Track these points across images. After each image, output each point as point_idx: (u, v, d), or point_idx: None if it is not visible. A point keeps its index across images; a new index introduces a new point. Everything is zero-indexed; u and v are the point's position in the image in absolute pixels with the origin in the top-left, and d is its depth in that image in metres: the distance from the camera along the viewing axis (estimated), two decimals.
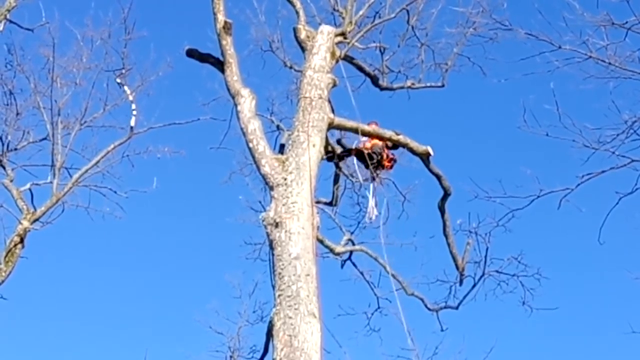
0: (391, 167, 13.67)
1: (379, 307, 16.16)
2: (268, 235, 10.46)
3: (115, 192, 17.29)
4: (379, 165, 13.51)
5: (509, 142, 25.90)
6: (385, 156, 13.44)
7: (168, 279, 29.97)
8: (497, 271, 15.24)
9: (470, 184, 13.00)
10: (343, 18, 14.94)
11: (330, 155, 13.12)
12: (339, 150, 13.91)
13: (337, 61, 13.62)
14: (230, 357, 18.93)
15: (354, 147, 13.58)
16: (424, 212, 15.88)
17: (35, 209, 15.77)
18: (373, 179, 13.64)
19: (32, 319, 27.55)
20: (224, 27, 12.73)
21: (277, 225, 10.35)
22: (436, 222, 14.32)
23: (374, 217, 13.81)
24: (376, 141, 13.47)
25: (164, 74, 17.97)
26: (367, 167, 13.55)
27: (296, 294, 9.58)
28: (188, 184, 27.53)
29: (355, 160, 13.78)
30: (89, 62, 17.65)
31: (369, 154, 13.39)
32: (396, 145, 13.38)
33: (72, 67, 17.53)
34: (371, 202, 13.68)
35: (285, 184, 10.81)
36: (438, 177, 13.69)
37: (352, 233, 15.65)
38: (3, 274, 15.04)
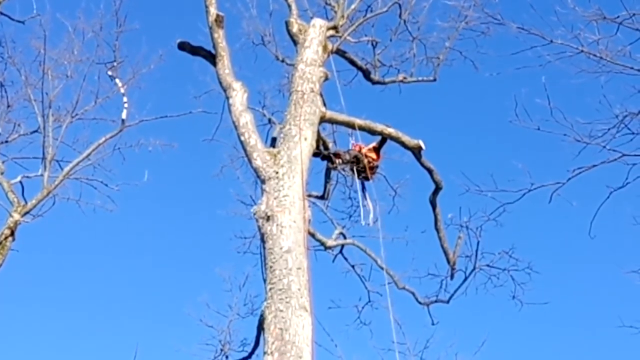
0: (373, 173, 13.55)
1: (369, 301, 16.19)
2: (259, 228, 10.46)
3: (106, 185, 17.26)
4: (362, 173, 13.46)
5: (500, 136, 25.93)
6: (366, 164, 13.33)
7: (159, 271, 29.88)
8: (488, 265, 15.27)
9: (461, 177, 12.99)
10: (335, 12, 14.95)
11: (317, 152, 13.08)
12: (330, 145, 13.94)
13: (329, 55, 13.63)
14: (221, 350, 18.84)
15: (340, 152, 13.55)
16: (415, 206, 15.91)
17: (26, 202, 15.71)
18: (363, 187, 13.63)
19: (22, 312, 27.47)
20: (215, 20, 12.73)
21: (268, 218, 10.35)
22: (427, 216, 14.38)
23: (371, 222, 13.83)
24: (364, 150, 13.47)
25: (156, 67, 17.93)
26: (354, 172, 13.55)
27: (287, 287, 9.58)
28: (179, 177, 27.49)
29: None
30: (80, 54, 17.60)
31: (352, 160, 13.37)
32: (381, 145, 13.42)
33: (64, 59, 17.48)
34: (368, 205, 13.67)
35: (277, 178, 10.82)
36: (429, 171, 13.73)
37: (343, 227, 15.65)
38: None
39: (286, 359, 9.04)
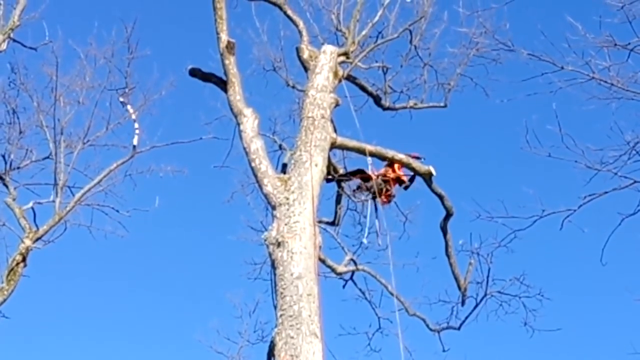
0: (387, 202, 13.67)
1: (380, 328, 16.10)
2: (270, 254, 10.45)
3: (117, 211, 17.25)
4: (376, 195, 13.54)
5: (511, 163, 25.86)
6: (384, 190, 13.45)
7: (169, 297, 29.92)
8: (499, 292, 15.19)
9: (472, 204, 12.96)
10: (346, 38, 15.00)
11: (330, 177, 13.14)
12: (341, 171, 13.95)
13: (339, 81, 13.67)
14: None
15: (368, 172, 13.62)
16: (426, 233, 15.86)
17: (37, 228, 15.71)
18: (375, 207, 13.69)
19: (34, 338, 27.47)
20: (227, 47, 12.78)
21: (279, 244, 10.34)
22: (438, 243, 14.35)
23: (365, 241, 13.92)
24: (385, 172, 13.57)
25: (167, 93, 17.96)
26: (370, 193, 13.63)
27: (298, 313, 9.56)
28: (190, 202, 27.53)
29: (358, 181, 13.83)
30: (92, 81, 17.64)
31: (368, 182, 13.45)
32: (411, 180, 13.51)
33: (75, 85, 17.52)
34: (368, 224, 13.75)
35: (288, 204, 10.81)
36: (440, 197, 13.72)
37: (354, 253, 15.60)
38: (5, 292, 14.99)
39: None
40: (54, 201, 16.06)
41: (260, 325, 18.21)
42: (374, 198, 13.62)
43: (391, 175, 13.67)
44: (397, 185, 13.89)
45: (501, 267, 15.08)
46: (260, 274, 16.02)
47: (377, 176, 13.54)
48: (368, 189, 13.60)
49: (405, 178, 13.80)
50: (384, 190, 13.47)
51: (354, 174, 13.79)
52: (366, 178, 13.59)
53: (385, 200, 13.62)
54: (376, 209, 13.71)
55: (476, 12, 13.44)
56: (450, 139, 26.57)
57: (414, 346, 15.44)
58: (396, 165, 13.66)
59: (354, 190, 13.97)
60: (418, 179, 13.63)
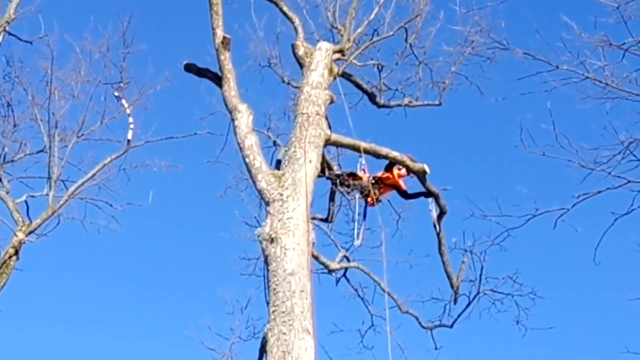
0: (372, 204, 13.66)
1: (372, 325, 16.11)
2: (263, 250, 10.45)
3: (111, 205, 17.29)
4: (368, 194, 13.57)
5: (505, 161, 25.87)
6: (372, 193, 13.46)
7: (161, 293, 29.91)
8: (492, 290, 15.21)
9: (466, 202, 12.99)
10: (341, 35, 14.99)
11: (327, 176, 13.16)
12: (335, 168, 13.95)
13: (334, 78, 13.66)
14: None
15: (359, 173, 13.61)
16: (420, 230, 15.87)
17: (30, 221, 15.73)
18: (365, 207, 13.71)
19: (26, 331, 27.45)
20: (222, 43, 12.76)
21: (272, 240, 10.34)
22: (431, 241, 14.34)
23: (359, 242, 13.94)
24: (382, 176, 13.57)
25: (162, 88, 17.98)
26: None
27: (290, 310, 9.56)
28: (184, 198, 27.49)
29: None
30: (87, 75, 17.67)
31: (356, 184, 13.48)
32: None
33: (71, 79, 17.54)
34: (356, 228, 13.79)
35: (281, 200, 10.82)
36: (434, 195, 13.71)
37: (347, 250, 15.61)
38: None
39: None
40: (47, 195, 16.07)
41: (252, 322, 18.21)
42: (365, 198, 13.61)
43: (388, 180, 13.66)
44: (392, 192, 13.90)
45: (494, 266, 15.11)
46: (254, 270, 16.03)
47: (369, 178, 13.53)
48: (361, 188, 13.58)
49: (404, 187, 13.81)
50: (372, 192, 13.42)
51: (348, 176, 13.76)
52: (359, 178, 13.60)
53: (370, 202, 13.60)
54: (365, 209, 13.72)
55: (472, 11, 13.48)
56: (444, 138, 26.58)
57: (407, 344, 15.49)
58: (396, 173, 13.64)
59: (345, 182, 13.95)
60: (414, 178, 13.63)
